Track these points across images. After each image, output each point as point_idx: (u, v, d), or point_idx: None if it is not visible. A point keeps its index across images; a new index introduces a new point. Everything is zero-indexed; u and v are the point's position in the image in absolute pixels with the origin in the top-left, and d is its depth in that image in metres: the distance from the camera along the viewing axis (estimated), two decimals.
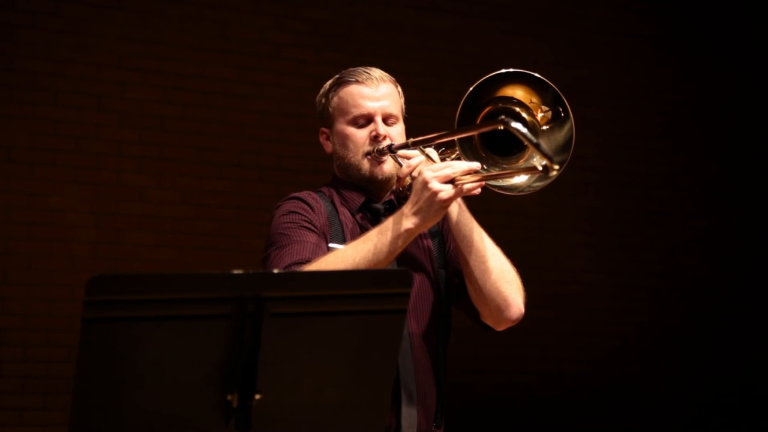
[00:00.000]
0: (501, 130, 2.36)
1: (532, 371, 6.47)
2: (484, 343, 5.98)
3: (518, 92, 2.58)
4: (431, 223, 2.54)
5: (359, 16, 6.23)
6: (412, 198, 2.52)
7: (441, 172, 2.49)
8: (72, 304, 5.41)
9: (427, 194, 2.49)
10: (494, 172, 2.54)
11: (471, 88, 2.55)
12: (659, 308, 6.78)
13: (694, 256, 6.88)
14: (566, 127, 2.56)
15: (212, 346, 2.00)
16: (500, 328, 2.71)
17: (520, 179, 2.56)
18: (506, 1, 6.57)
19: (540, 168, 2.37)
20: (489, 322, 2.70)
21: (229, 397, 2.02)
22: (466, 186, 2.50)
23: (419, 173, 2.53)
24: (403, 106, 2.85)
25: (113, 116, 5.70)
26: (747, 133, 7.02)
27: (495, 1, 6.55)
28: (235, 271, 1.99)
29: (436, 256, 2.78)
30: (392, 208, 2.76)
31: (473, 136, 2.57)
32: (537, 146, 2.31)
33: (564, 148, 2.54)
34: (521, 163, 2.57)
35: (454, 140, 2.60)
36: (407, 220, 2.51)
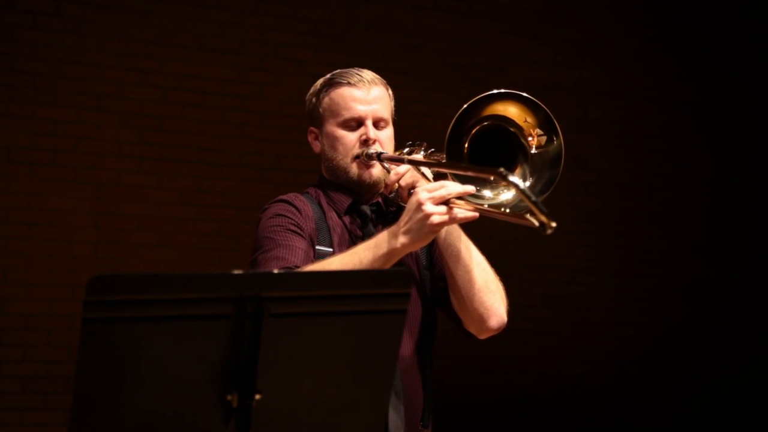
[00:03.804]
0: (497, 170, 2.33)
1: (532, 371, 6.47)
2: (483, 343, 5.93)
3: (511, 109, 2.56)
4: (420, 245, 2.52)
5: (359, 16, 6.23)
6: (404, 217, 2.50)
7: (436, 192, 2.46)
8: (72, 304, 5.41)
9: (419, 215, 2.46)
10: (488, 208, 2.51)
11: (464, 106, 2.53)
12: (659, 309, 6.78)
13: (694, 257, 6.87)
14: (555, 153, 2.54)
15: (212, 346, 2.00)
16: (483, 336, 2.72)
17: (507, 198, 2.53)
18: (506, 1, 6.57)
19: (537, 224, 2.31)
20: (471, 330, 2.71)
21: (229, 398, 2.02)
22: (461, 215, 2.47)
23: (414, 193, 2.50)
24: (393, 109, 2.85)
25: (113, 116, 5.70)
26: (747, 133, 7.02)
27: (495, 1, 6.55)
28: (235, 271, 2.00)
29: (423, 259, 2.78)
30: (379, 210, 2.78)
31: (462, 152, 2.55)
32: (535, 204, 2.27)
33: (547, 184, 2.53)
34: (501, 170, 2.56)
35: (443, 142, 2.58)
36: (396, 239, 2.49)
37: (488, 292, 2.64)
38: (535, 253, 6.43)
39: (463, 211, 2.47)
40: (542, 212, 2.27)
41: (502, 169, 2.31)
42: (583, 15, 6.74)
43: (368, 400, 2.13)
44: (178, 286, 1.99)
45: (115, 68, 5.70)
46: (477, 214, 2.49)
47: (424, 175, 2.68)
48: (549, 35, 6.64)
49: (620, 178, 6.76)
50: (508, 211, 2.47)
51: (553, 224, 2.28)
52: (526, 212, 2.36)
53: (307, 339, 2.06)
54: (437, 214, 2.45)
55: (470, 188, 2.48)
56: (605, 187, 6.72)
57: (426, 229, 2.46)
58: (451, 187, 2.47)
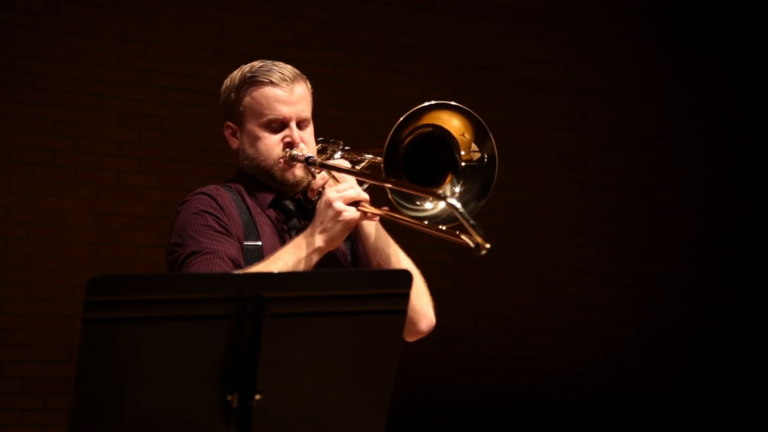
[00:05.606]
0: (435, 192, 2.42)
1: (531, 371, 6.47)
2: (483, 343, 5.96)
3: (454, 121, 2.63)
4: (336, 243, 2.58)
5: (359, 16, 6.23)
6: (318, 217, 2.57)
7: (345, 193, 2.56)
8: (72, 305, 5.41)
9: (331, 213, 2.54)
10: (417, 222, 2.54)
11: (403, 116, 2.57)
12: (659, 308, 6.78)
13: (693, 257, 6.87)
14: (487, 175, 2.60)
15: (212, 347, 2.00)
16: (411, 339, 2.70)
17: (429, 212, 2.58)
18: (506, 1, 6.57)
19: (472, 245, 2.33)
20: None
21: (229, 398, 2.02)
22: (371, 212, 2.55)
23: (323, 193, 2.58)
24: (312, 102, 2.80)
25: (113, 116, 5.70)
26: (747, 133, 7.02)
27: (495, 1, 6.55)
28: (236, 272, 2.00)
29: (349, 256, 2.77)
30: (300, 205, 2.76)
31: (399, 157, 2.58)
32: (474, 227, 2.31)
33: (478, 195, 2.59)
34: (439, 191, 2.59)
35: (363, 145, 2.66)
36: (314, 238, 2.56)
37: (418, 295, 2.64)
38: (535, 253, 6.43)
39: (372, 209, 2.55)
40: (480, 236, 2.30)
41: (440, 191, 2.42)
42: (583, 15, 6.74)
43: (368, 400, 2.14)
44: (178, 286, 2.00)
45: (115, 68, 5.70)
46: (384, 211, 2.56)
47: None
48: (549, 35, 6.64)
49: (619, 178, 6.76)
50: (443, 228, 2.49)
51: (488, 245, 2.30)
52: (461, 232, 2.38)
53: (308, 339, 2.06)
54: (348, 211, 2.54)
55: (366, 196, 2.56)
56: (604, 188, 6.72)
57: (340, 226, 2.54)
58: (359, 189, 2.58)
